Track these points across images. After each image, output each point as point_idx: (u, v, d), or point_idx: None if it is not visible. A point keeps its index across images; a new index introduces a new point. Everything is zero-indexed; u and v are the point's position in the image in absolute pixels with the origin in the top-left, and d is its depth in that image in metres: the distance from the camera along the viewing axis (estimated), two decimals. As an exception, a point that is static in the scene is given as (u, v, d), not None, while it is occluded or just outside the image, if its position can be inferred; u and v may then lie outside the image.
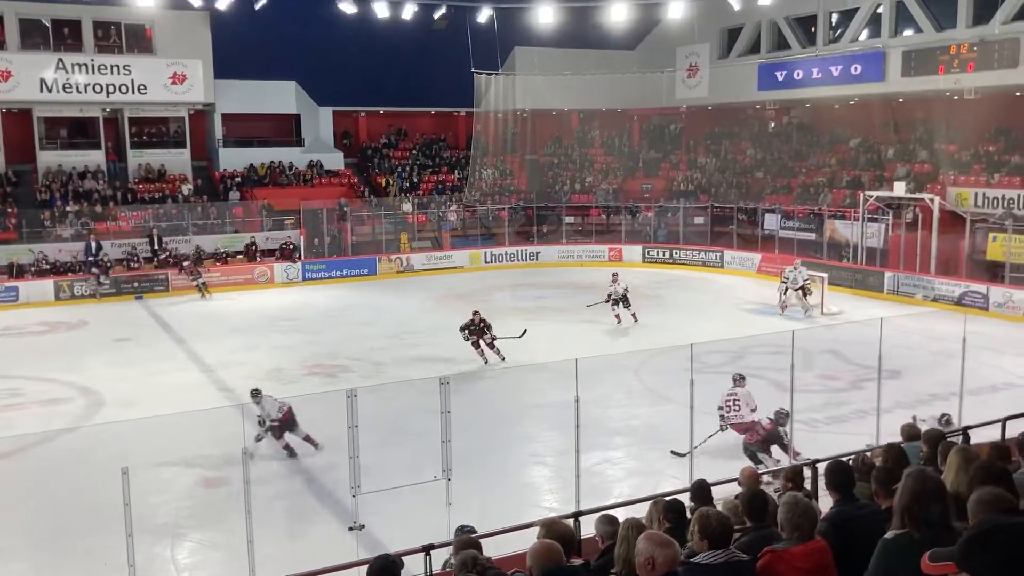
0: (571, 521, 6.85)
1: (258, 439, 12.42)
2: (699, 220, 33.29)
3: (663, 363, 16.45)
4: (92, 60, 30.95)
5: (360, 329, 22.04)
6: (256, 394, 12.95)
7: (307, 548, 9.54)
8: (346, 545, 9.45)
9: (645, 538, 3.86)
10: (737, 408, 12.32)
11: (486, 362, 17.74)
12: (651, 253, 32.63)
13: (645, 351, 17.67)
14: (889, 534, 3.67)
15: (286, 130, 36.34)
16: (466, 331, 17.83)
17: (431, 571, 6.84)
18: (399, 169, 37.19)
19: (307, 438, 12.73)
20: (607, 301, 21.97)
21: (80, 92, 30.90)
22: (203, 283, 27.41)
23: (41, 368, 18.13)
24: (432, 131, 40.52)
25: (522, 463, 13.08)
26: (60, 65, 30.51)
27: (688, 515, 5.58)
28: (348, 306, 25.55)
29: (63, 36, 31.04)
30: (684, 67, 36.93)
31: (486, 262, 32.53)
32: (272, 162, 34.89)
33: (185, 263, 28.02)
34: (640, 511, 6.21)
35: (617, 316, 21.87)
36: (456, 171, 37.56)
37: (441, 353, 18.74)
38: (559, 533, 4.62)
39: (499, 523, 7.71)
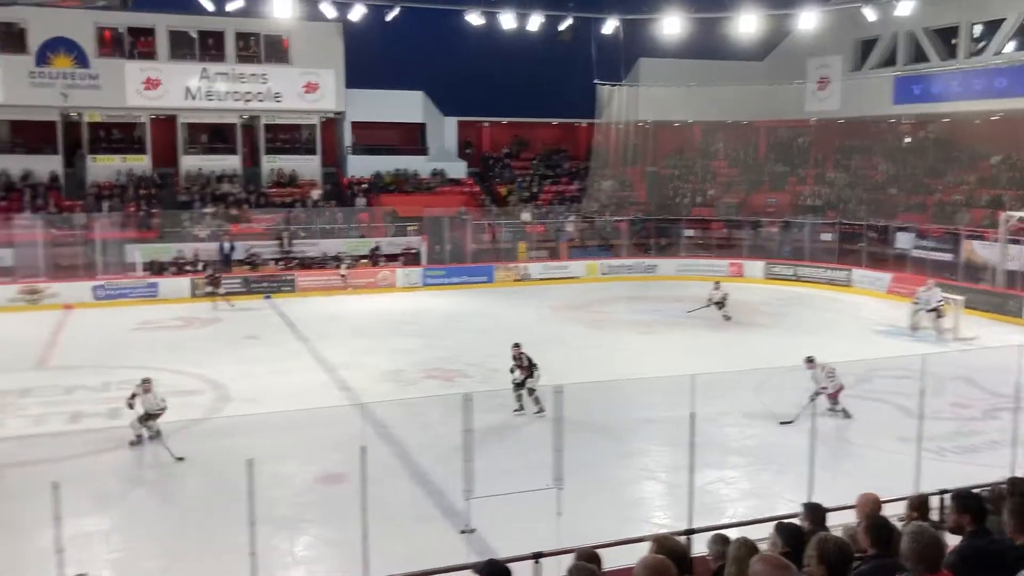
0: (683, 538, 6.74)
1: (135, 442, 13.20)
2: (826, 237, 32.19)
3: (783, 383, 15.99)
4: (233, 69, 32.61)
5: (477, 336, 22.30)
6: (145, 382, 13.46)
7: (418, 548, 9.71)
8: (456, 547, 9.59)
9: (760, 560, 3.77)
10: (832, 377, 14.27)
11: (520, 408, 14.98)
12: (774, 269, 31.79)
13: (765, 370, 17.20)
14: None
15: (412, 139, 37.25)
16: (516, 371, 15.19)
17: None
18: (519, 179, 37.52)
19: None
20: (707, 305, 23.68)
21: (220, 99, 32.61)
22: (224, 293, 26.87)
23: (175, 361, 19.10)
24: (553, 142, 40.73)
25: (633, 477, 12.94)
26: (204, 74, 32.28)
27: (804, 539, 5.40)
28: (466, 312, 25.91)
29: (208, 47, 32.82)
30: (815, 79, 35.89)
31: (602, 273, 32.42)
32: (398, 170, 35.80)
33: (209, 271, 27.79)
34: (754, 533, 6.05)
35: (725, 317, 23.60)
36: (576, 182, 37.61)
37: (554, 364, 18.76)
38: (670, 549, 4.55)
39: (608, 536, 7.66)
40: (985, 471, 10.43)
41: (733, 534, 5.57)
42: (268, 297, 28.20)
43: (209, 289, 27.04)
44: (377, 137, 36.62)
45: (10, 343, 21.36)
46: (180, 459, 12.49)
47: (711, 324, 23.81)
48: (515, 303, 27.34)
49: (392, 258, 31.31)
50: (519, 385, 14.95)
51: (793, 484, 11.56)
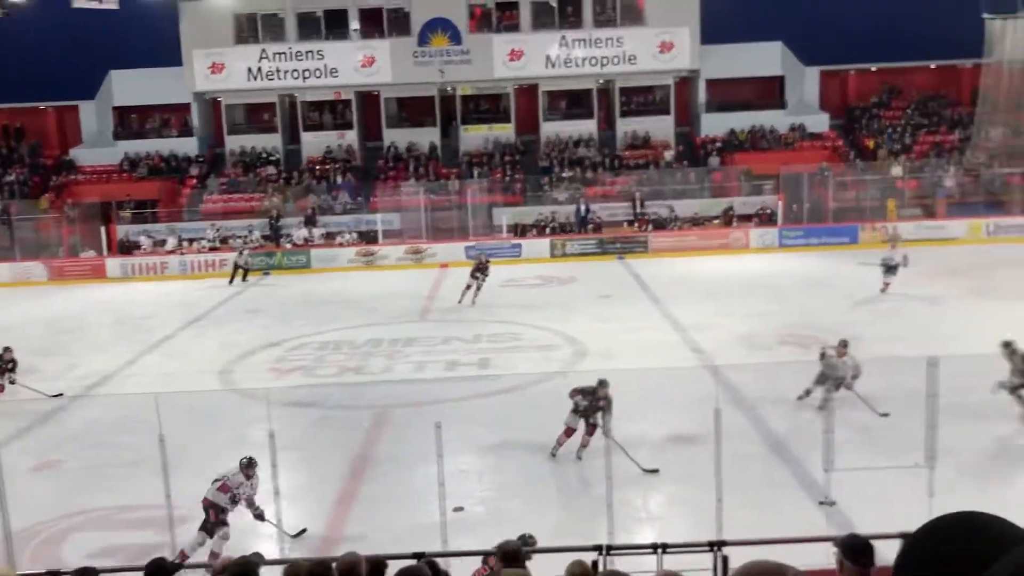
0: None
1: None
2: None
3: None
4: (590, 35, 33.48)
5: (837, 301, 20.99)
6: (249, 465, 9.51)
7: (772, 516, 9.41)
8: (814, 519, 9.17)
9: None
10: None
11: (579, 458, 11.52)
12: None
13: None
14: None
15: (769, 93, 35.73)
16: (583, 401, 11.36)
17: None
18: (889, 130, 34.49)
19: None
20: (882, 265, 21.13)
21: (578, 66, 33.66)
22: (237, 264, 26.81)
23: (537, 317, 20.25)
24: (931, 87, 36.80)
25: (1015, 465, 11.44)
26: (563, 41, 33.52)
27: None
28: (826, 276, 24.48)
29: (566, 15, 33.99)
30: None
31: (988, 234, 28.81)
32: (753, 126, 34.61)
33: (241, 246, 28.37)
34: None
35: (886, 284, 20.94)
36: (957, 131, 33.74)
37: (927, 332, 17.12)
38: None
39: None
40: None
41: None
42: (621, 258, 28.82)
43: (242, 263, 27.16)
44: (732, 93, 35.59)
45: (398, 296, 24.04)
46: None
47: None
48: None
49: (746, 219, 30.45)
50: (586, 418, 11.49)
51: None
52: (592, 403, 11.24)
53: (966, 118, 33.56)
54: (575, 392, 11.39)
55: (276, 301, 24.39)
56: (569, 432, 11.42)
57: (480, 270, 21.94)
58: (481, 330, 19.42)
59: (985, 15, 29.82)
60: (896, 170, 31.34)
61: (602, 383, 11.25)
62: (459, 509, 9.68)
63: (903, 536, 5.96)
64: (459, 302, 21.82)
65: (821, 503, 9.58)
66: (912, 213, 30.53)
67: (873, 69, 36.69)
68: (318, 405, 14.74)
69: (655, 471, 10.75)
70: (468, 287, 21.82)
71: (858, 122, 35.65)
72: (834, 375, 12.46)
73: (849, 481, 9.30)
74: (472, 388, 14.96)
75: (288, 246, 29.82)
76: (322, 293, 25.08)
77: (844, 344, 12.99)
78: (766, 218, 30.05)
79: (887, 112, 35.76)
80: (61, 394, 15.37)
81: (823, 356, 12.84)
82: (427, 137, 35.06)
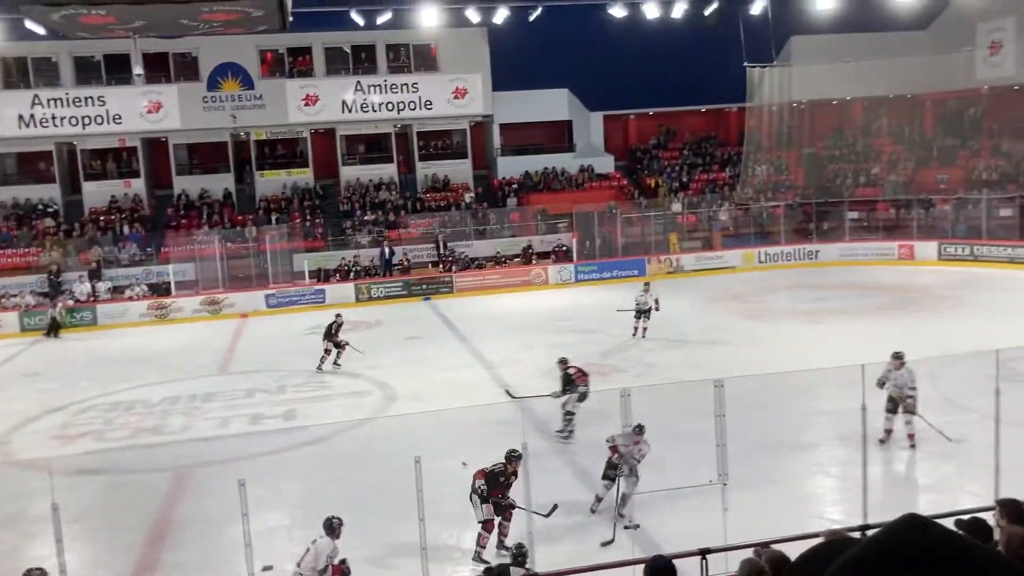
0: (857, 535, 6.46)
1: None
2: (1006, 212, 30.01)
3: (961, 370, 15.01)
4: (385, 80, 33.80)
5: (631, 330, 22.11)
6: None
7: (583, 544, 9.75)
8: (621, 543, 9.57)
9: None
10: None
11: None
12: (948, 250, 29.90)
13: (942, 357, 16.21)
14: None
15: (559, 137, 37.44)
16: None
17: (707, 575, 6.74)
18: (668, 169, 37.00)
19: None
20: (635, 310, 20.81)
21: (375, 111, 33.83)
22: (55, 318, 26.00)
23: (345, 363, 19.97)
24: (703, 129, 39.92)
25: (803, 471, 12.50)
26: (358, 87, 33.61)
27: (995, 536, 5.07)
28: (619, 306, 25.72)
29: (361, 60, 34.17)
30: (985, 44, 33.45)
31: (760, 262, 31.46)
32: (546, 168, 36.07)
33: (54, 294, 27.49)
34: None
35: (635, 328, 20.71)
36: (728, 169, 36.71)
37: (713, 356, 18.40)
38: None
39: (778, 532, 7.44)
40: None
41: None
42: (427, 299, 29.02)
43: (56, 314, 26.32)
44: (525, 137, 37.03)
45: (196, 350, 22.99)
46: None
47: (882, 312, 22.72)
48: (669, 296, 26.86)
49: (544, 256, 31.60)
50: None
51: (982, 476, 10.86)
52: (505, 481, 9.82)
53: (735, 157, 36.57)
54: (477, 477, 10.02)
55: (57, 362, 22.66)
56: (489, 527, 9.77)
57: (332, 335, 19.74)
58: (286, 380, 18.92)
59: (746, 64, 32.76)
60: (676, 206, 33.62)
61: (511, 456, 9.86)
62: (268, 568, 9.36)
63: (702, 553, 6.31)
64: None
65: (626, 527, 10.03)
66: (693, 245, 32.84)
67: (651, 113, 39.33)
68: (109, 471, 13.80)
69: (554, 508, 10.00)
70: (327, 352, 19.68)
71: (640, 163, 37.99)
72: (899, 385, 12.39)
73: (652, 504, 9.81)
74: (278, 442, 14.52)
75: (71, 303, 27.75)
76: (111, 351, 23.58)
77: (898, 356, 12.76)
78: (563, 255, 31.32)
79: (665, 153, 38.36)
80: None
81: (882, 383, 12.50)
82: (221, 184, 33.94)
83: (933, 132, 35.82)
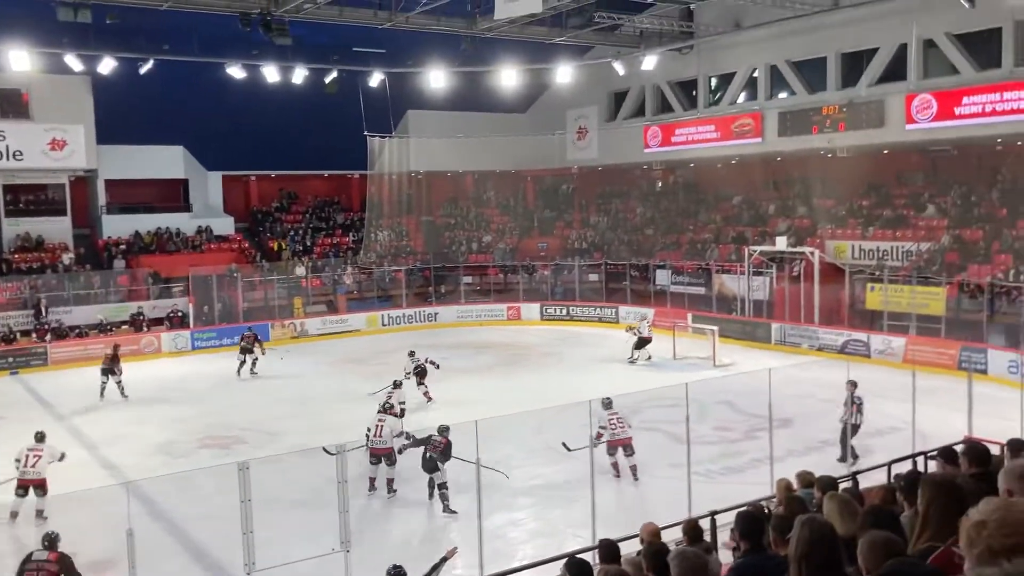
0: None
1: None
2: (593, 277, 33.94)
3: (563, 420, 16.47)
4: (-36, 125, 29.67)
5: (253, 398, 21.40)
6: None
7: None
8: None
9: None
10: (621, 425, 14.44)
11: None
12: (549, 311, 32.99)
13: (545, 409, 17.66)
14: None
15: (174, 195, 35.53)
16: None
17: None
18: (291, 232, 36.74)
19: None
20: (407, 378, 19.76)
21: (-50, 159, 29.52)
22: None
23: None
24: (325, 194, 40.33)
25: (423, 529, 12.82)
26: (-72, 131, 29.15)
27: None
28: (241, 374, 24.78)
29: (-68, 101, 29.74)
30: (574, 129, 37.95)
31: (383, 324, 32.20)
32: (159, 228, 33.96)
33: None
34: (545, 573, 6.15)
35: (426, 395, 20.33)
36: (351, 234, 37.34)
37: (333, 420, 18.33)
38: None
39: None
40: (750, 489, 11.25)
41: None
42: (15, 373, 25.60)
43: None
44: (135, 195, 34.59)
45: None
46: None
47: (490, 369, 24.30)
48: (293, 360, 26.47)
49: (157, 322, 29.45)
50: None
51: (581, 519, 11.92)
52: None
53: (358, 222, 37.35)
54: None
55: None
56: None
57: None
58: None
59: (366, 133, 33.80)
60: (299, 270, 33.38)
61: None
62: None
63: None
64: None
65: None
66: (318, 309, 32.73)
67: (273, 176, 38.93)
68: None
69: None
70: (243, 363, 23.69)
71: (262, 225, 37.29)
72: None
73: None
74: None
75: None
76: None
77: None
78: (178, 321, 29.44)
79: (288, 216, 38.09)
80: None
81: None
82: None
83: (534, 204, 39.60)
